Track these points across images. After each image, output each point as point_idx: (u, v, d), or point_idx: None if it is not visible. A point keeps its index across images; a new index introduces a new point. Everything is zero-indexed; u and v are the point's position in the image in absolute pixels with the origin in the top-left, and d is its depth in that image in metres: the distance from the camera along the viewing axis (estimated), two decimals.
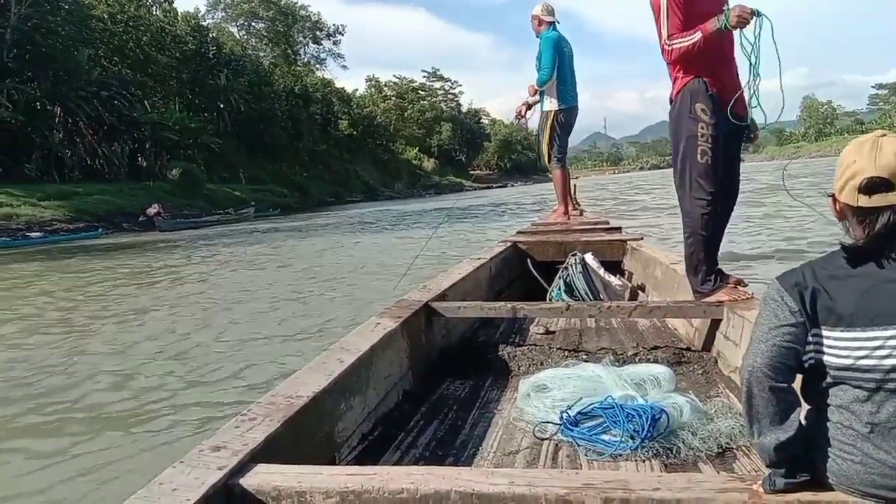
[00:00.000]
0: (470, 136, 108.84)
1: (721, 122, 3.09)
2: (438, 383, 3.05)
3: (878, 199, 1.36)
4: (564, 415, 2.30)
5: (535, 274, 5.33)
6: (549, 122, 6.78)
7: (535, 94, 6.80)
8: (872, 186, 1.36)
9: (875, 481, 1.30)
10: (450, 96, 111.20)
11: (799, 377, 1.42)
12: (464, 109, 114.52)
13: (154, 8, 54.04)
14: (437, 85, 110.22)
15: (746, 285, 3.27)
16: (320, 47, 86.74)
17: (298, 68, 75.01)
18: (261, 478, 1.54)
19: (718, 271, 3.26)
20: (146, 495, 1.42)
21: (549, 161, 6.93)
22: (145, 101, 46.11)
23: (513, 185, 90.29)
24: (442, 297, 3.58)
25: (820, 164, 48.07)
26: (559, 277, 4.94)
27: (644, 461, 2.07)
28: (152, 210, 32.34)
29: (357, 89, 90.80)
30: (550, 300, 4.78)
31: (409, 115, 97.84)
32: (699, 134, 3.08)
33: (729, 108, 3.06)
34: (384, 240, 19.02)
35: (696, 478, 1.53)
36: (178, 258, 17.45)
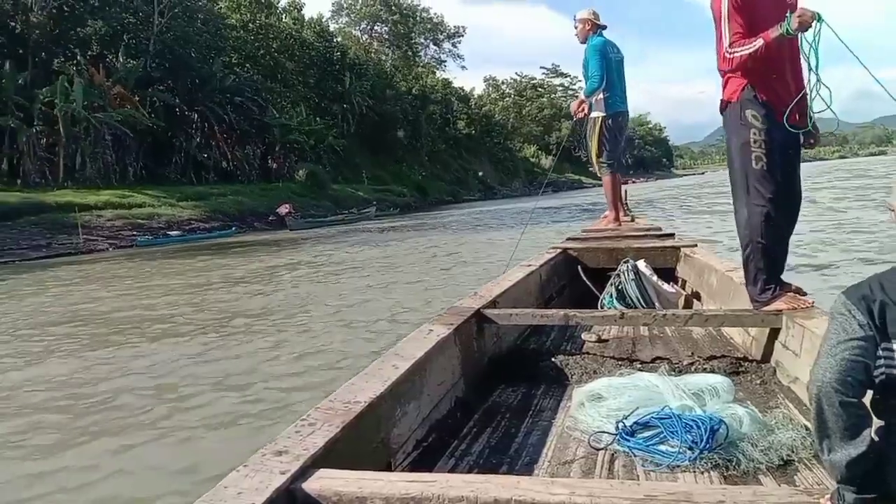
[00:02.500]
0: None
1: (773, 129, 3.00)
2: (490, 391, 3.04)
3: None
4: (620, 424, 2.27)
5: (587, 281, 5.18)
6: (598, 128, 6.63)
7: (581, 106, 6.59)
8: None
9: None
10: (570, 92, 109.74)
11: (869, 392, 1.37)
12: None
13: (284, 16, 56.47)
14: (557, 81, 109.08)
15: (806, 294, 3.11)
16: (440, 49, 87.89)
17: (419, 69, 76.29)
18: (323, 482, 1.55)
19: (779, 281, 3.11)
20: (212, 499, 1.44)
21: (599, 168, 6.79)
22: (274, 106, 48.24)
23: (633, 182, 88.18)
24: (493, 304, 3.55)
25: None
26: (611, 284, 4.81)
27: (703, 473, 2.03)
28: (283, 209, 33.97)
29: (474, 87, 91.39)
30: (602, 308, 4.65)
31: (528, 112, 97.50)
32: (752, 140, 3.01)
33: (784, 116, 2.97)
34: (497, 235, 19.15)
35: (760, 490, 1.50)
36: (311, 254, 18.42)
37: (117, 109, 35.58)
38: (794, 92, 3.08)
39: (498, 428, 2.57)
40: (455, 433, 2.52)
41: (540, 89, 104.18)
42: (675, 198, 34.96)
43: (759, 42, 2.90)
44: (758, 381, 2.96)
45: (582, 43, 6.64)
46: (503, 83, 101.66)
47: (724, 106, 3.17)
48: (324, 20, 62.74)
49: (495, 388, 3.06)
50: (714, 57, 3.16)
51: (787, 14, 2.85)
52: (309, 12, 59.75)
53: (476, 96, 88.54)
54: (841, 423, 1.31)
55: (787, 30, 2.83)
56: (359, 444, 1.91)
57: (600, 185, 7.27)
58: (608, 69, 6.47)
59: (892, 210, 1.41)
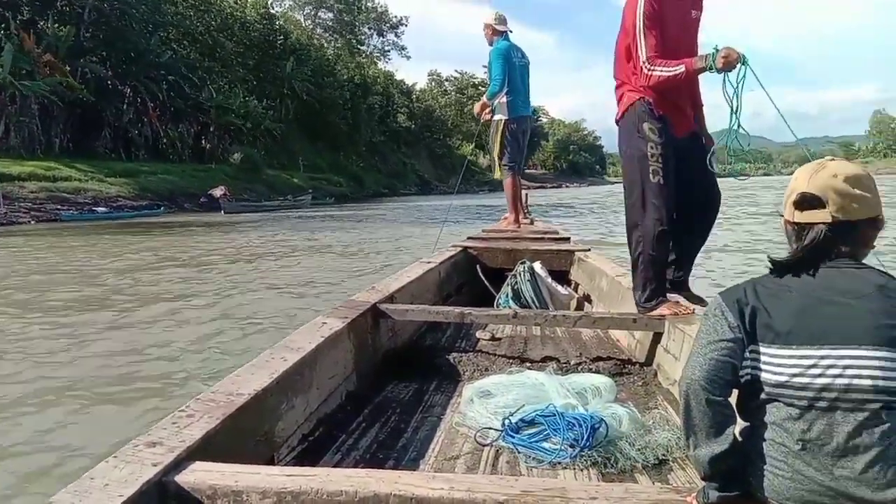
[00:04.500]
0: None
1: (670, 142, 3.06)
2: (383, 386, 3.04)
3: (808, 216, 1.42)
4: (506, 421, 2.32)
5: (484, 280, 5.32)
6: (500, 131, 6.83)
7: (484, 108, 6.82)
8: (802, 202, 1.42)
9: (804, 497, 1.32)
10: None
11: (736, 393, 1.45)
12: None
13: None
14: None
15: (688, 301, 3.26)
16: (384, 39, 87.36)
17: (361, 59, 75.62)
18: (197, 475, 1.52)
19: (664, 289, 3.23)
20: (77, 490, 1.39)
21: (500, 170, 6.97)
22: (211, 86, 47.10)
23: (567, 187, 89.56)
24: (390, 298, 3.56)
25: (888, 181, 46.10)
26: (507, 284, 4.93)
27: (582, 470, 2.10)
28: (218, 191, 33.36)
29: (416, 83, 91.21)
30: (498, 307, 4.75)
31: (468, 111, 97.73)
32: (649, 154, 3.05)
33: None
34: (426, 231, 19.31)
35: (633, 488, 1.59)
36: (242, 238, 18.14)
37: (46, 78, 34.17)
38: (690, 106, 3.21)
39: (387, 423, 2.58)
40: (343, 428, 2.50)
41: (481, 88, 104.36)
42: (602, 201, 35.77)
43: (680, 69, 2.96)
44: (640, 383, 3.08)
45: (490, 46, 6.84)
46: (446, 80, 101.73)
47: (621, 118, 3.21)
48: (267, 2, 61.53)
49: (388, 384, 3.06)
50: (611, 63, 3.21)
51: (714, 48, 2.90)
52: None
53: (419, 90, 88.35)
54: (707, 421, 1.38)
55: (710, 66, 2.89)
56: (240, 438, 1.88)
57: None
58: (511, 73, 6.67)
59: (783, 219, 1.49)
